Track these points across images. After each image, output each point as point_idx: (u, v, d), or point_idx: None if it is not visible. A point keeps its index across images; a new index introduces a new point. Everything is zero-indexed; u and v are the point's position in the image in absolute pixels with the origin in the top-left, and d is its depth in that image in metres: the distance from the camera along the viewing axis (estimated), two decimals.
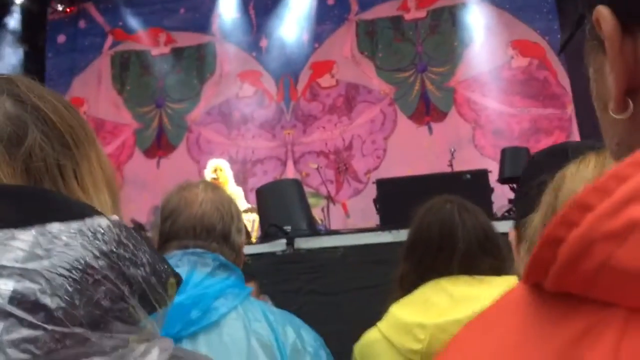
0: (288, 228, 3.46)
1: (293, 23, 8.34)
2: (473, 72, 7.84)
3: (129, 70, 8.82)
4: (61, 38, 9.16)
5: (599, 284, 0.32)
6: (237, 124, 8.33)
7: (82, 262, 0.46)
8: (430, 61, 8.04)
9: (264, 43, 8.47)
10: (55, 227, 0.48)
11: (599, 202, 0.32)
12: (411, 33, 8.13)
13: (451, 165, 5.06)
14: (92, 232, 0.48)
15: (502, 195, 4.49)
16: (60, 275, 0.44)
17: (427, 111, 7.89)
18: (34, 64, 8.67)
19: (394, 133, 7.89)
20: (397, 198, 3.30)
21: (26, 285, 0.43)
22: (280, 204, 3.66)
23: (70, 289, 0.44)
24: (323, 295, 3.12)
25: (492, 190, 3.38)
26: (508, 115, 7.60)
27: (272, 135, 8.22)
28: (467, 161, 6.07)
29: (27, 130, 0.57)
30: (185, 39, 8.70)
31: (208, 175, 5.34)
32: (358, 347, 1.51)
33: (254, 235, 4.41)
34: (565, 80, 7.47)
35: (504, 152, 4.56)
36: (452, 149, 5.19)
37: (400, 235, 3.12)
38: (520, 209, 0.94)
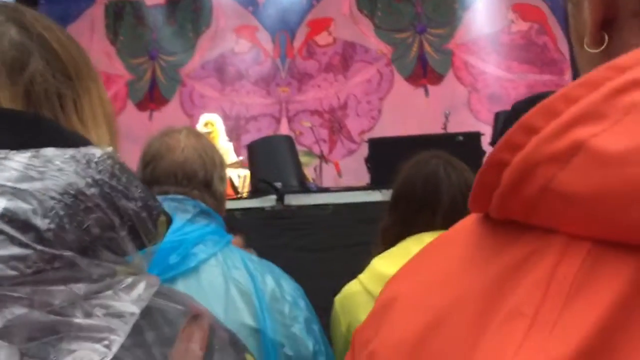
0: (279, 184, 3.46)
1: None
2: (472, 35, 7.73)
3: (123, 20, 8.66)
4: None
5: (540, 209, 0.31)
6: (231, 80, 8.24)
7: (74, 187, 0.46)
8: (430, 22, 7.93)
9: None
10: (49, 151, 0.47)
11: (545, 124, 0.31)
12: None
13: (445, 128, 5.04)
14: (86, 161, 0.48)
15: None
16: (52, 198, 0.44)
17: (424, 73, 7.81)
18: None
19: (389, 94, 7.83)
20: (388, 158, 3.27)
21: (18, 205, 0.43)
22: (271, 160, 3.65)
23: (61, 212, 0.44)
24: (312, 252, 3.14)
25: (484, 153, 3.36)
26: (505, 80, 7.54)
27: (267, 92, 8.14)
28: (462, 125, 6.03)
29: (30, 57, 0.57)
30: None
31: (200, 129, 5.30)
32: (339, 299, 1.51)
33: (245, 191, 4.41)
34: (564, 46, 7.39)
35: (497, 115, 4.53)
36: (447, 112, 5.15)
37: (390, 194, 3.12)
38: None
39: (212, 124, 5.37)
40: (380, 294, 0.47)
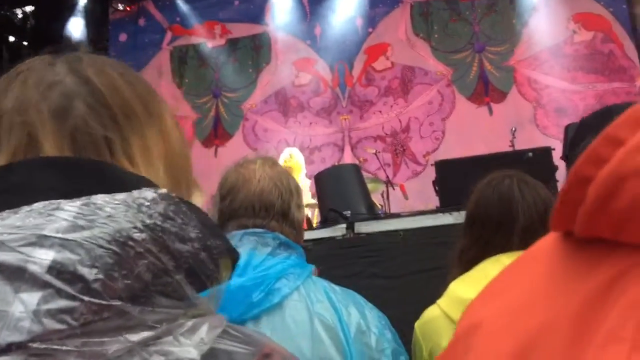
0: (347, 213, 3.46)
1: (346, 9, 8.29)
2: (533, 49, 7.58)
3: (187, 64, 9.00)
4: (123, 36, 9.43)
5: (630, 224, 0.29)
6: (293, 112, 8.37)
7: (123, 234, 0.45)
8: (488, 41, 7.83)
9: (317, 31, 8.46)
10: (99, 198, 0.47)
11: (630, 135, 0.29)
12: (467, 13, 7.94)
13: (512, 145, 4.92)
14: (136, 205, 0.48)
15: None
16: (100, 246, 0.44)
17: (486, 91, 7.70)
18: None
19: (452, 114, 7.75)
20: (456, 179, 3.24)
21: (66, 256, 0.43)
22: (339, 189, 3.66)
23: (110, 260, 0.44)
24: (384, 279, 3.11)
25: (556, 168, 3.26)
26: (571, 92, 7.32)
27: (329, 121, 8.22)
28: (530, 141, 5.87)
29: (74, 103, 0.58)
30: (240, 30, 8.79)
31: (282, 162, 5.44)
32: (419, 325, 1.50)
33: (315, 222, 4.44)
34: (632, 52, 7.13)
35: (567, 129, 4.39)
36: (513, 129, 5.03)
37: (461, 216, 3.06)
38: None
39: (293, 157, 5.48)
40: (461, 320, 0.46)
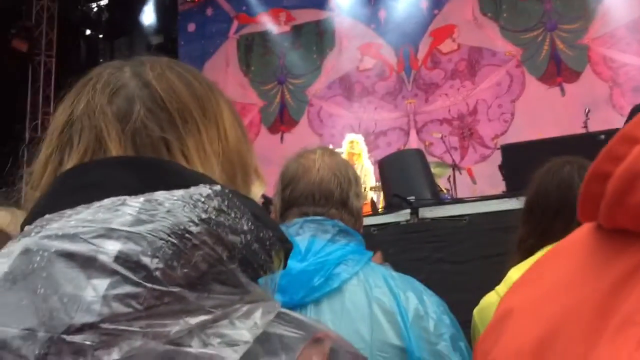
0: (412, 198, 3.45)
1: None
2: (609, 26, 7.23)
3: (253, 52, 9.14)
4: (191, 26, 9.68)
5: None
6: (358, 97, 8.36)
7: (181, 227, 0.49)
8: (560, 18, 7.53)
9: (382, 14, 8.38)
10: (160, 195, 0.52)
11: None
12: None
13: (586, 126, 4.73)
14: (193, 201, 0.51)
15: None
16: (161, 239, 0.48)
17: (558, 71, 7.43)
18: (168, 53, 9.26)
19: (522, 96, 7.52)
20: (523, 163, 3.16)
21: (130, 247, 0.47)
22: (403, 174, 3.65)
23: (169, 251, 0.48)
24: (450, 264, 3.09)
25: None
26: None
27: (394, 106, 8.16)
28: (605, 123, 5.62)
29: (134, 107, 0.63)
30: (305, 16, 8.84)
31: (344, 148, 5.49)
32: (477, 311, 1.49)
33: (380, 207, 4.45)
34: None
35: (633, 110, 4.18)
36: (587, 109, 4.84)
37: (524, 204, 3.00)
38: None
39: (356, 143, 5.51)
40: (498, 306, 0.49)
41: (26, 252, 0.48)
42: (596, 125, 5.02)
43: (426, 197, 3.49)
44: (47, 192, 0.60)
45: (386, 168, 3.85)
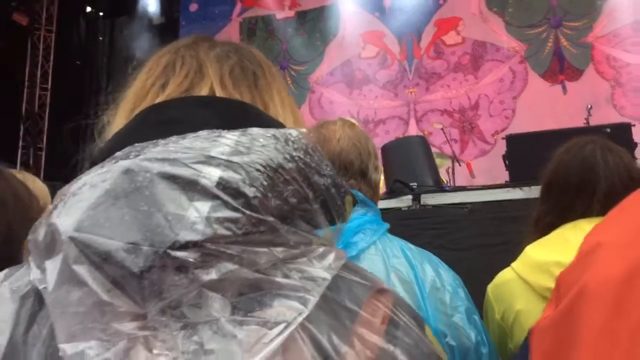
0: (414, 185, 3.44)
1: None
2: (614, 25, 7.22)
3: (256, 36, 9.09)
4: (193, 7, 9.61)
5: None
6: (359, 84, 8.34)
7: (275, 162, 0.51)
8: (566, 15, 7.52)
9: (387, 2, 8.35)
10: (255, 130, 0.54)
11: None
12: None
13: (587, 123, 4.73)
14: (284, 139, 0.53)
15: None
16: (257, 170, 0.50)
17: (561, 69, 7.42)
18: (169, 33, 9.19)
19: (524, 92, 7.52)
20: (528, 154, 3.16)
21: (230, 175, 0.49)
22: (405, 160, 3.64)
23: (264, 182, 0.49)
24: (450, 251, 3.08)
25: (635, 145, 3.12)
26: None
27: (395, 94, 8.14)
28: (605, 122, 5.65)
29: (230, 53, 0.70)
30: (310, 2, 8.79)
31: None
32: (492, 288, 1.48)
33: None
34: None
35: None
36: (589, 106, 4.84)
37: (532, 192, 2.99)
38: None
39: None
40: (582, 245, 0.51)
41: (127, 172, 0.49)
42: (596, 124, 5.02)
43: (428, 184, 3.48)
44: (129, 125, 0.61)
45: (389, 154, 3.83)
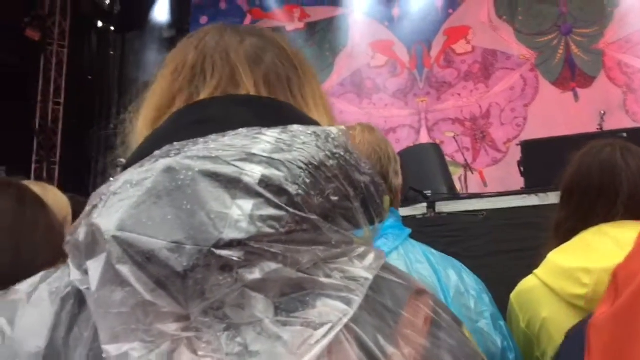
0: (428, 193, 3.43)
1: None
2: (625, 31, 7.19)
3: None
4: (204, 19, 9.66)
5: None
6: (369, 94, 8.34)
7: (317, 159, 0.50)
8: (576, 22, 7.50)
9: (396, 12, 8.37)
10: (295, 127, 0.53)
11: None
12: None
13: (601, 129, 4.71)
14: (325, 136, 0.53)
15: None
16: (299, 167, 0.49)
17: (572, 76, 7.38)
18: None
19: (535, 100, 7.49)
20: (543, 160, 3.15)
21: (272, 172, 0.48)
22: (419, 168, 3.63)
23: (307, 180, 0.49)
24: (465, 259, 3.05)
25: None
26: None
27: (405, 103, 8.13)
28: (619, 128, 5.62)
29: (266, 53, 0.68)
30: (319, 13, 8.83)
31: None
32: (515, 295, 1.46)
33: None
34: None
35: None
36: (602, 112, 4.81)
37: (548, 198, 2.97)
38: None
39: None
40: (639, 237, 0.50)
41: (169, 170, 0.48)
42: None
43: (443, 191, 3.47)
44: (164, 126, 0.61)
45: (403, 161, 3.82)
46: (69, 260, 0.52)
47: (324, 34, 8.78)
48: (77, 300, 0.51)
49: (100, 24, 10.63)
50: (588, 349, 0.49)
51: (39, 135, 9.47)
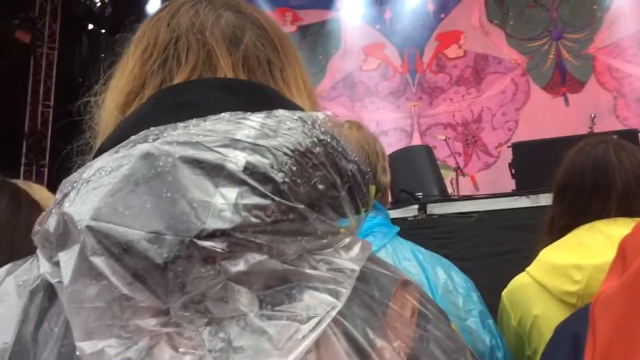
0: (420, 194, 3.42)
1: None
2: (615, 36, 7.25)
3: None
4: None
5: None
6: (360, 97, 8.35)
7: (303, 145, 0.48)
8: (566, 27, 7.55)
9: (388, 15, 8.39)
10: (280, 112, 0.50)
11: None
12: None
13: (592, 131, 4.73)
14: (311, 122, 0.50)
15: None
16: (285, 154, 0.46)
17: (563, 81, 7.43)
18: None
19: (526, 105, 7.52)
20: (534, 162, 3.15)
21: (257, 159, 0.45)
22: (411, 170, 3.62)
23: (293, 167, 0.46)
24: (457, 261, 3.04)
25: None
26: None
27: (397, 107, 8.15)
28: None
29: (245, 32, 0.63)
30: (311, 17, 8.83)
31: None
32: (507, 293, 1.45)
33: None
34: None
35: None
36: (593, 115, 4.83)
37: (539, 200, 2.97)
38: None
39: None
40: None
41: (147, 156, 0.45)
42: None
43: (434, 193, 3.46)
44: (142, 108, 0.57)
45: (394, 163, 3.81)
46: (38, 251, 0.49)
47: (316, 37, 8.78)
48: (47, 293, 0.48)
49: (90, 26, 10.59)
50: (592, 327, 0.47)
51: (28, 138, 9.41)
